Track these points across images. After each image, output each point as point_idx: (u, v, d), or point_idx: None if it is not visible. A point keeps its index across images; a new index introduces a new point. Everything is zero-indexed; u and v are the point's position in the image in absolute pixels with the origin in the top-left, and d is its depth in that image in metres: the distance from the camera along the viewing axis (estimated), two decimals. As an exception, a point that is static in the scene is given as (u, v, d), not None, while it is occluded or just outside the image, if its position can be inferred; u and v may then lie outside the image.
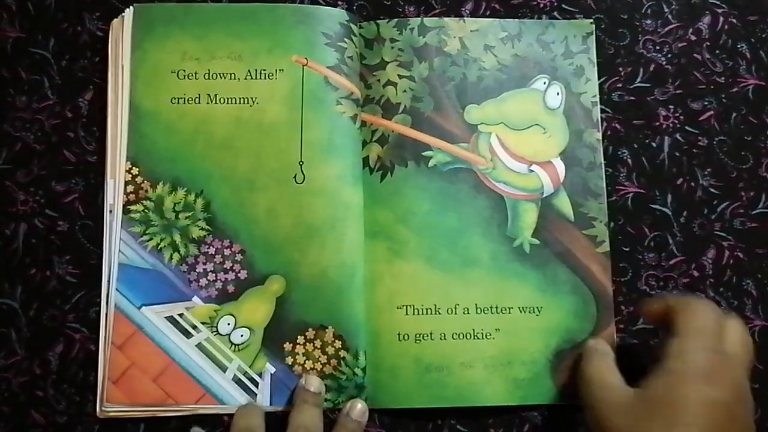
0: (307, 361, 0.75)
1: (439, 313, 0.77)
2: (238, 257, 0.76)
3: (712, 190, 0.81)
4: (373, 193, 0.79)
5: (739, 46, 0.84)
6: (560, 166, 0.80)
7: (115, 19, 0.80)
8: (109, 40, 0.80)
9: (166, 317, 0.75)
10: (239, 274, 0.76)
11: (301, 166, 0.77)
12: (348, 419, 0.73)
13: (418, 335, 0.77)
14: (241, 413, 0.73)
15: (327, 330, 0.75)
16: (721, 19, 0.84)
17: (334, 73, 0.79)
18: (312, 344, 0.75)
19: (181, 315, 0.75)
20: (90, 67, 0.80)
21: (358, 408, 0.74)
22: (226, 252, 0.76)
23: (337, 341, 0.75)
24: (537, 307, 0.78)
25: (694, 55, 0.83)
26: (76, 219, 0.77)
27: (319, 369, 0.75)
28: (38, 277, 0.76)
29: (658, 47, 0.83)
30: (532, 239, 0.79)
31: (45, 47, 0.80)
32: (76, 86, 0.80)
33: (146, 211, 0.77)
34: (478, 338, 0.77)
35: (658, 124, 0.82)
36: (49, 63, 0.80)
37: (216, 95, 0.79)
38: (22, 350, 0.75)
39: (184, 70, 0.79)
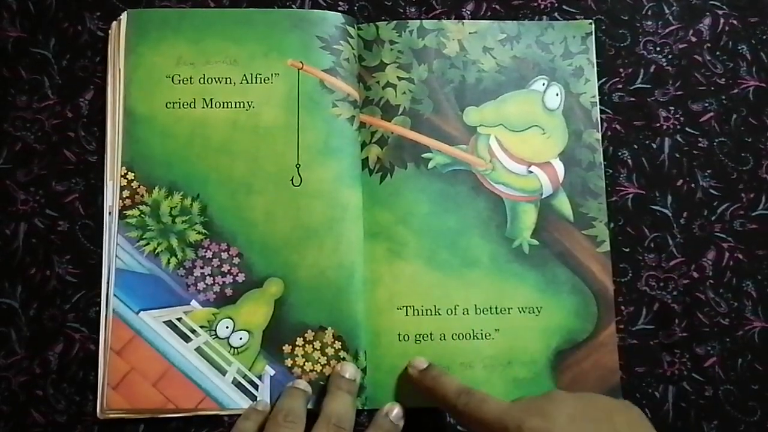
0: (306, 363, 0.75)
1: (439, 314, 0.77)
2: (236, 260, 0.76)
3: (712, 191, 0.81)
4: (373, 194, 0.79)
5: (739, 47, 0.83)
6: (559, 167, 0.80)
7: (114, 22, 0.81)
8: (109, 43, 0.80)
9: (164, 322, 0.75)
10: (237, 277, 0.76)
11: (298, 168, 0.78)
12: (386, 420, 0.73)
13: (418, 336, 0.77)
14: (286, 393, 0.74)
15: (326, 331, 0.75)
16: (722, 20, 0.84)
17: (329, 76, 0.80)
18: (311, 345, 0.75)
19: (179, 319, 0.75)
20: (90, 67, 0.81)
21: (396, 410, 0.74)
22: (224, 255, 0.76)
23: (336, 342, 0.75)
24: (536, 308, 0.78)
25: (695, 56, 0.83)
26: (76, 219, 0.78)
27: (318, 370, 0.75)
28: (38, 276, 0.76)
29: (658, 48, 0.83)
30: (532, 240, 0.79)
31: (46, 47, 0.81)
32: (77, 86, 0.80)
33: (142, 215, 0.77)
34: (477, 338, 0.77)
35: (658, 125, 0.82)
36: (49, 63, 0.80)
37: (212, 99, 0.79)
38: (22, 350, 0.75)
39: (179, 75, 0.79)
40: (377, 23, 0.82)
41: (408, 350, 0.76)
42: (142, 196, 0.77)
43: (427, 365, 0.75)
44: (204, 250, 0.76)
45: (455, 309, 0.77)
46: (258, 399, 0.74)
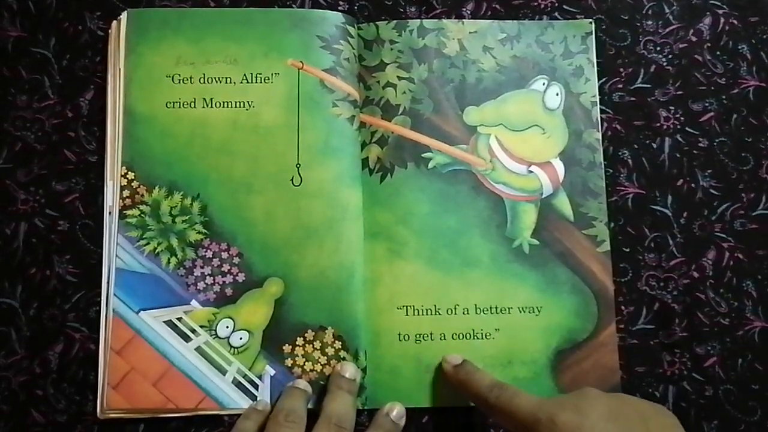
0: (306, 363, 0.75)
1: (439, 314, 0.77)
2: (236, 260, 0.76)
3: (712, 191, 0.81)
4: (373, 194, 0.79)
5: (739, 47, 0.83)
6: (559, 167, 0.80)
7: (114, 21, 0.80)
8: (109, 42, 0.80)
9: (164, 321, 0.75)
10: (237, 277, 0.76)
11: (298, 168, 0.78)
12: (387, 419, 0.73)
13: (418, 335, 0.77)
14: (286, 393, 0.74)
15: (326, 331, 0.75)
16: (722, 20, 0.84)
17: (330, 75, 0.80)
18: (311, 345, 0.75)
19: (179, 319, 0.75)
20: (91, 67, 0.80)
21: (397, 410, 0.74)
22: (224, 255, 0.76)
23: (336, 342, 0.75)
24: (537, 307, 0.78)
25: (695, 56, 0.83)
26: (76, 218, 0.77)
27: (318, 370, 0.75)
28: (38, 276, 0.76)
29: (658, 48, 0.83)
30: (532, 240, 0.79)
31: (46, 47, 0.81)
32: (77, 86, 0.80)
33: (143, 215, 0.77)
34: (478, 338, 0.77)
35: (658, 125, 0.82)
36: (49, 62, 0.80)
37: (212, 99, 0.79)
38: (22, 349, 0.75)
39: (179, 75, 0.79)
40: (377, 23, 0.82)
41: (408, 350, 0.76)
42: (142, 195, 0.77)
43: (461, 361, 0.75)
44: (204, 249, 0.76)
45: (455, 309, 0.77)
46: (258, 399, 0.74)
